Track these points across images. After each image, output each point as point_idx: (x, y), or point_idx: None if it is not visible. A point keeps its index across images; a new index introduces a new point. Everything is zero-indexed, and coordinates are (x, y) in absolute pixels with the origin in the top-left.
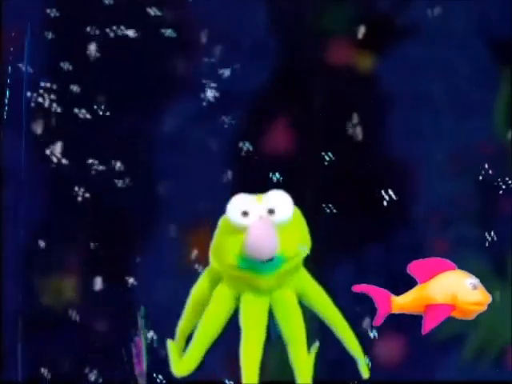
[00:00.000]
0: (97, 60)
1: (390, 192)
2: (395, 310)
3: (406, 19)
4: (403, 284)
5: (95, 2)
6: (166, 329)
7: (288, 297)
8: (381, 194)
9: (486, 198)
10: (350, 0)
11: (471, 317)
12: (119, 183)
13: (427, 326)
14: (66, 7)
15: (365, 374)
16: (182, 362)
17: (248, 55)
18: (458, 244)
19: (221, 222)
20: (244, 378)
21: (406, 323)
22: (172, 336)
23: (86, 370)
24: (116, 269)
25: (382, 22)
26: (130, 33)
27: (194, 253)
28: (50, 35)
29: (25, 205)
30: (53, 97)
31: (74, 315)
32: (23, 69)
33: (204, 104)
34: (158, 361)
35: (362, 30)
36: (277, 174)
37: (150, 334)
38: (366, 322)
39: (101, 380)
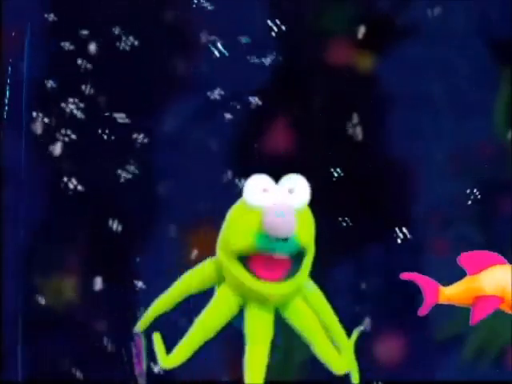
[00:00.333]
0: (97, 60)
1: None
2: (442, 301)
3: (406, 19)
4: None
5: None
6: (166, 329)
7: (300, 306)
8: (381, 194)
9: (486, 197)
10: (350, 0)
11: None
12: (119, 183)
13: (476, 318)
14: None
15: (355, 380)
16: (172, 355)
17: (248, 55)
18: (458, 244)
19: (232, 210)
20: None
21: (406, 323)
22: (172, 336)
23: (86, 370)
24: (116, 269)
25: (382, 22)
26: (131, 32)
27: (194, 253)
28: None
29: (25, 205)
30: (53, 97)
31: (74, 315)
32: (23, 69)
33: (204, 104)
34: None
35: (362, 30)
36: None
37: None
38: (366, 322)
39: (101, 380)
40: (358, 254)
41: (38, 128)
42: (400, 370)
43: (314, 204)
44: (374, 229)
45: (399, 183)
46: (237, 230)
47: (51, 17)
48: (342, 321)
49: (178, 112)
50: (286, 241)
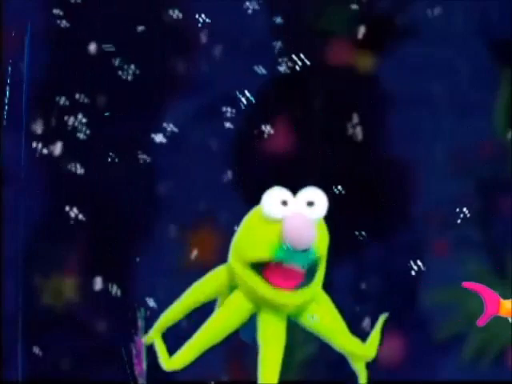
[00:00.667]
0: (97, 60)
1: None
2: (502, 313)
3: (406, 19)
4: (403, 284)
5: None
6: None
7: (313, 309)
8: (381, 193)
9: (486, 197)
10: (350, 0)
11: None
12: (119, 183)
13: None
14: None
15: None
16: (175, 357)
17: (248, 55)
18: (458, 244)
19: (249, 219)
20: None
21: (406, 323)
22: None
23: (86, 370)
24: (116, 269)
25: (382, 22)
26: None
27: (194, 253)
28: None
29: (25, 205)
30: (53, 97)
31: (74, 315)
32: (23, 69)
33: (204, 104)
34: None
35: (362, 30)
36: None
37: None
38: (366, 322)
39: (101, 380)
40: (358, 254)
41: (37, 128)
42: (400, 369)
43: None
44: (374, 228)
45: (399, 183)
46: (255, 240)
47: (51, 17)
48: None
49: (178, 112)
50: (305, 252)
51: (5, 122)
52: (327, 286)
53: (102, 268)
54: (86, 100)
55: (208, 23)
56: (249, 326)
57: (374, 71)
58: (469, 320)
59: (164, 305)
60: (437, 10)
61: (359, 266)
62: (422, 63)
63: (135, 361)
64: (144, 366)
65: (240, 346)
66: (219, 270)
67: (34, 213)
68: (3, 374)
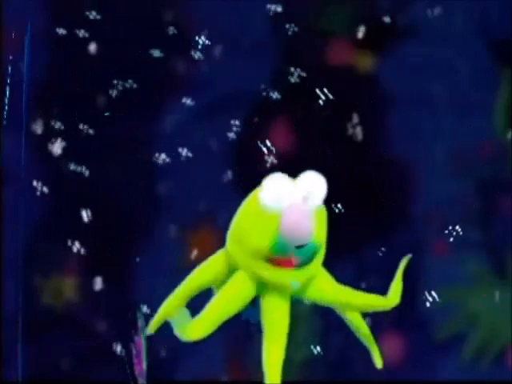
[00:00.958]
0: (97, 60)
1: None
2: None
3: (406, 19)
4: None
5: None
6: (166, 328)
7: (316, 283)
8: (381, 193)
9: (486, 197)
10: (350, 0)
11: None
12: (119, 183)
13: None
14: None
15: (378, 363)
16: (194, 325)
17: (248, 55)
18: (458, 244)
19: (247, 205)
20: (267, 379)
21: (406, 323)
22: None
23: (86, 370)
24: (116, 269)
25: (382, 21)
26: (130, 32)
27: (194, 253)
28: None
29: (25, 205)
30: (53, 97)
31: (74, 315)
32: (23, 69)
33: (204, 104)
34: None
35: (362, 30)
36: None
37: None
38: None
39: (101, 380)
40: (358, 254)
41: (38, 128)
42: (400, 369)
43: None
44: (374, 228)
45: (399, 183)
46: (253, 232)
47: (51, 17)
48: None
49: (178, 112)
50: (304, 246)
51: (5, 122)
52: None
53: (101, 268)
54: (85, 100)
55: (208, 23)
56: (252, 308)
57: (374, 71)
58: (469, 320)
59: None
60: (437, 10)
61: (359, 266)
62: (422, 63)
63: (135, 361)
64: (144, 365)
65: (240, 346)
66: (218, 255)
67: (33, 213)
68: (3, 373)
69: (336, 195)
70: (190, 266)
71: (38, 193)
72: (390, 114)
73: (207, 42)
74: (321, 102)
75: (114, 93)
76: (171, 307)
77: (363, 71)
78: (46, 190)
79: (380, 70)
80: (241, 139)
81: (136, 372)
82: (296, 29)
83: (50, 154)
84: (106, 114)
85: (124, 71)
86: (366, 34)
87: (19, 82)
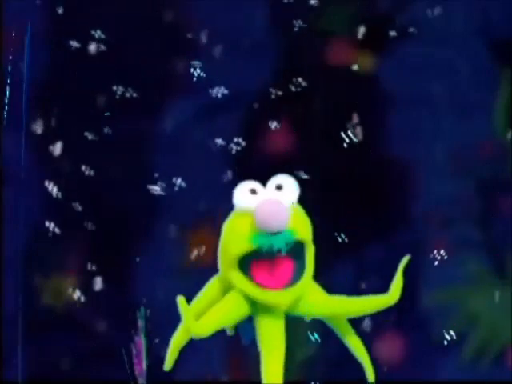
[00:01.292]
0: (98, 60)
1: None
2: None
3: (406, 19)
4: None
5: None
6: (166, 328)
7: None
8: (381, 193)
9: (486, 197)
10: (350, 0)
11: None
12: (119, 183)
13: None
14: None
15: (370, 378)
16: (202, 323)
17: (248, 55)
18: (458, 244)
19: (226, 222)
20: None
21: (406, 323)
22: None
23: (86, 370)
24: (116, 269)
25: (382, 22)
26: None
27: (194, 253)
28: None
29: (25, 205)
30: (53, 96)
31: (74, 315)
32: (23, 69)
33: (204, 104)
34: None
35: (361, 30)
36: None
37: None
38: (366, 323)
39: (101, 380)
40: (358, 254)
41: (38, 128)
42: (400, 369)
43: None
44: (374, 228)
45: (399, 183)
46: (233, 235)
47: (51, 17)
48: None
49: (178, 112)
50: (282, 234)
51: (5, 122)
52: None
53: (102, 268)
54: (85, 100)
55: (208, 23)
56: (247, 328)
57: (374, 71)
58: (469, 320)
59: (164, 305)
60: (437, 10)
61: (359, 265)
62: (422, 63)
63: (135, 361)
64: (144, 365)
65: (240, 346)
66: (212, 281)
67: (33, 213)
68: (3, 373)
69: (336, 195)
70: (190, 266)
71: (39, 193)
72: (390, 114)
73: (207, 42)
74: (321, 101)
75: (113, 93)
76: (180, 340)
77: (363, 71)
78: (46, 189)
79: (380, 70)
80: (241, 139)
81: (136, 372)
82: (296, 29)
83: (50, 154)
84: (106, 113)
85: (124, 71)
86: (366, 34)
87: (19, 81)
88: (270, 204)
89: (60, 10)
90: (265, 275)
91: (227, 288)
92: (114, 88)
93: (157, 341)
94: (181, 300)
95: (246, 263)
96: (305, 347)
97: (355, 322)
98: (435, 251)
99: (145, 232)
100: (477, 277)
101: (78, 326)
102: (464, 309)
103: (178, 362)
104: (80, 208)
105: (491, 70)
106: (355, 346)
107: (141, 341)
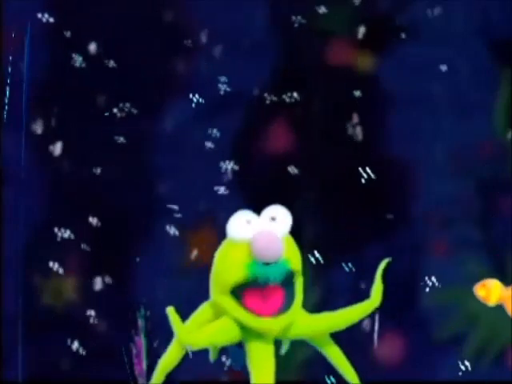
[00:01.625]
0: (98, 59)
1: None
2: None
3: (406, 19)
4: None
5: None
6: (166, 329)
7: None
8: (381, 193)
9: (486, 197)
10: (350, 0)
11: None
12: (119, 183)
13: None
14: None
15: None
16: (195, 334)
17: (248, 55)
18: (458, 244)
19: (219, 250)
20: None
21: (406, 323)
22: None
23: (86, 370)
24: (116, 269)
25: (382, 21)
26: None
27: (194, 253)
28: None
29: (25, 205)
30: (52, 96)
31: (74, 315)
32: (23, 69)
33: (204, 104)
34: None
35: (361, 30)
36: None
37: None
38: (366, 323)
39: (101, 380)
40: (358, 254)
41: (38, 128)
42: (400, 369)
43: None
44: (374, 228)
45: (399, 183)
46: (227, 264)
47: (51, 17)
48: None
49: (178, 112)
50: (277, 264)
51: (5, 122)
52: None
53: (102, 268)
54: (85, 100)
55: (208, 23)
56: (238, 354)
57: (374, 71)
58: (469, 320)
59: (164, 305)
60: (437, 10)
61: (359, 265)
62: (422, 63)
63: (135, 361)
64: (144, 365)
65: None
66: (204, 307)
67: (34, 213)
68: (3, 373)
69: (336, 195)
70: (190, 266)
71: (38, 193)
72: (390, 114)
73: (207, 41)
74: (321, 101)
75: (114, 93)
76: (168, 365)
77: (363, 71)
78: (45, 190)
79: (380, 70)
80: (241, 139)
81: (136, 372)
82: (296, 29)
83: (50, 154)
84: (106, 114)
85: (124, 71)
86: (366, 34)
87: (19, 81)
88: (267, 235)
89: (60, 11)
90: (257, 302)
91: (219, 313)
92: (114, 88)
93: (157, 341)
94: (170, 311)
95: (239, 290)
96: (305, 347)
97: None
98: (435, 251)
99: (145, 232)
100: (477, 277)
101: (78, 326)
102: (464, 309)
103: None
104: (80, 208)
105: (491, 70)
106: (335, 356)
107: (141, 341)
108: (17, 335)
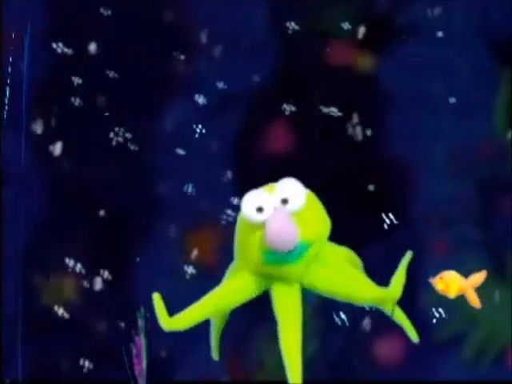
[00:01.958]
0: (98, 59)
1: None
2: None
3: (406, 19)
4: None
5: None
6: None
7: (319, 270)
8: (381, 193)
9: (486, 197)
10: (350, 0)
11: None
12: (119, 183)
13: None
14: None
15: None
16: (175, 318)
17: (248, 55)
18: (458, 244)
19: (239, 220)
20: (289, 369)
21: None
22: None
23: (86, 370)
24: (116, 269)
25: (382, 21)
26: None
27: (194, 253)
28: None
29: (25, 205)
30: (52, 96)
31: (74, 315)
32: (23, 69)
33: (204, 104)
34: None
35: (361, 30)
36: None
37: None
38: (366, 322)
39: (101, 380)
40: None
41: (38, 128)
42: (400, 369)
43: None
44: (374, 228)
45: (399, 183)
46: (245, 249)
47: (51, 17)
48: (342, 321)
49: (178, 112)
50: (295, 249)
51: (5, 122)
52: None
53: (101, 268)
54: (86, 100)
55: (208, 23)
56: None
57: (374, 71)
58: (469, 320)
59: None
60: (437, 10)
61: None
62: (422, 63)
63: (135, 361)
64: (144, 365)
65: (240, 346)
66: (233, 267)
67: (34, 213)
68: (3, 373)
69: (336, 195)
70: (190, 266)
71: (38, 193)
72: (390, 114)
73: (207, 42)
74: (321, 101)
75: (114, 92)
76: (218, 332)
77: (363, 71)
78: (45, 190)
79: (380, 70)
80: (241, 139)
81: (136, 372)
82: (296, 28)
83: (50, 154)
84: (106, 113)
85: (124, 71)
86: (366, 34)
87: (19, 81)
88: (279, 226)
89: (60, 11)
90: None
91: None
92: (114, 87)
93: (157, 341)
94: (156, 297)
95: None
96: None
97: (355, 322)
98: (435, 251)
99: (145, 232)
100: None
101: (78, 326)
102: (464, 309)
103: (178, 362)
104: (80, 208)
105: (491, 70)
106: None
107: (141, 341)
108: (17, 335)
